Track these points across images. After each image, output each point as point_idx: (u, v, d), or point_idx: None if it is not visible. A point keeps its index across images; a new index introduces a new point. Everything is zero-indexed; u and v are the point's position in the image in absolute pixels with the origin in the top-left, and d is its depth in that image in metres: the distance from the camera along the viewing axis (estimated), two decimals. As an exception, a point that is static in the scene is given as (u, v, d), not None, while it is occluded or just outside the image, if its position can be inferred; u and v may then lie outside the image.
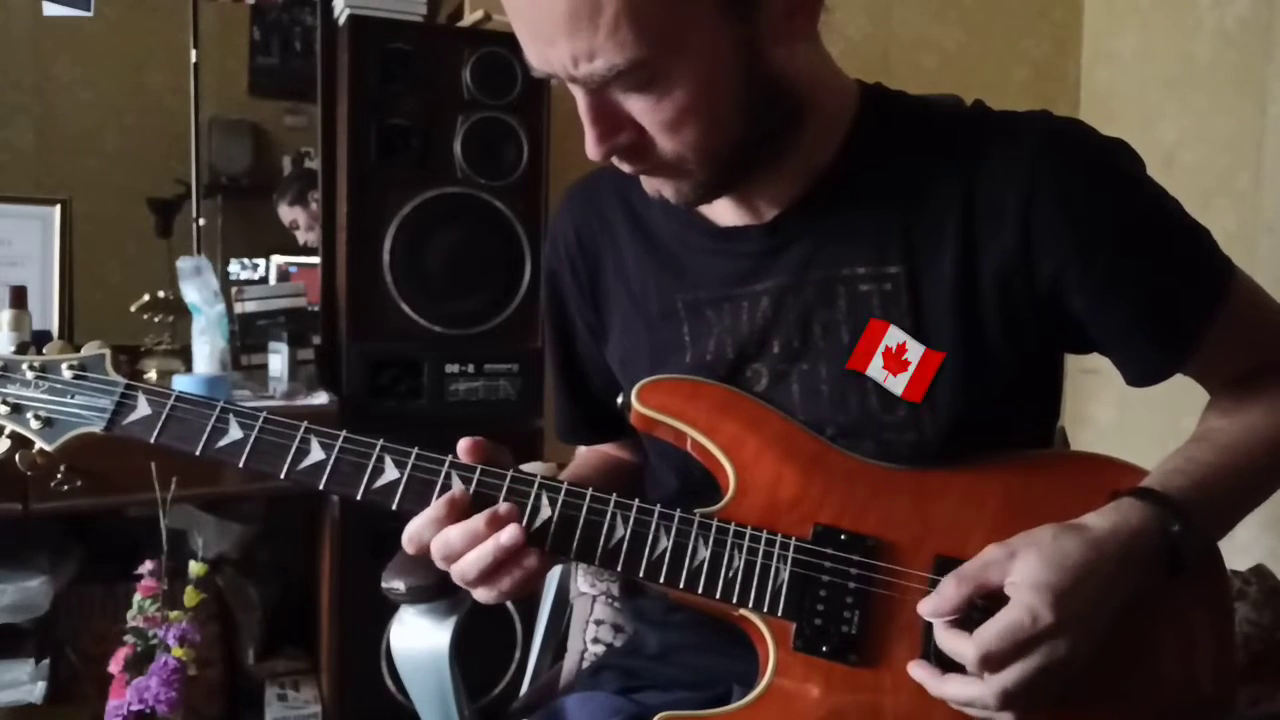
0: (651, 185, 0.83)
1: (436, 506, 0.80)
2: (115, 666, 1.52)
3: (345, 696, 2.09)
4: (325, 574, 2.10)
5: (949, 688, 0.75)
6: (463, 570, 0.79)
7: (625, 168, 0.80)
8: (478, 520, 0.79)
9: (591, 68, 0.70)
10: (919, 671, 0.77)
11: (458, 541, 0.78)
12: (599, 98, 0.74)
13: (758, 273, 0.87)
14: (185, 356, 2.05)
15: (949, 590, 0.75)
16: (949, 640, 0.74)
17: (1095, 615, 0.73)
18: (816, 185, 0.85)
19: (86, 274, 2.16)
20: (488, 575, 0.79)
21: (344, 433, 0.83)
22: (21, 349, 0.90)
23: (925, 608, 0.76)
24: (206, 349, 1.95)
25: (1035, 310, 0.83)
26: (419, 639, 1.10)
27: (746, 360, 0.88)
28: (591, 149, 0.76)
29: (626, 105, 0.75)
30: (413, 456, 0.83)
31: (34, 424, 0.86)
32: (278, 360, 2.07)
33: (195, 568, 1.60)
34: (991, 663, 0.71)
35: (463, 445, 0.83)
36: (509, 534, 0.78)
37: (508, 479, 0.82)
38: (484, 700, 2.01)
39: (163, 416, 0.85)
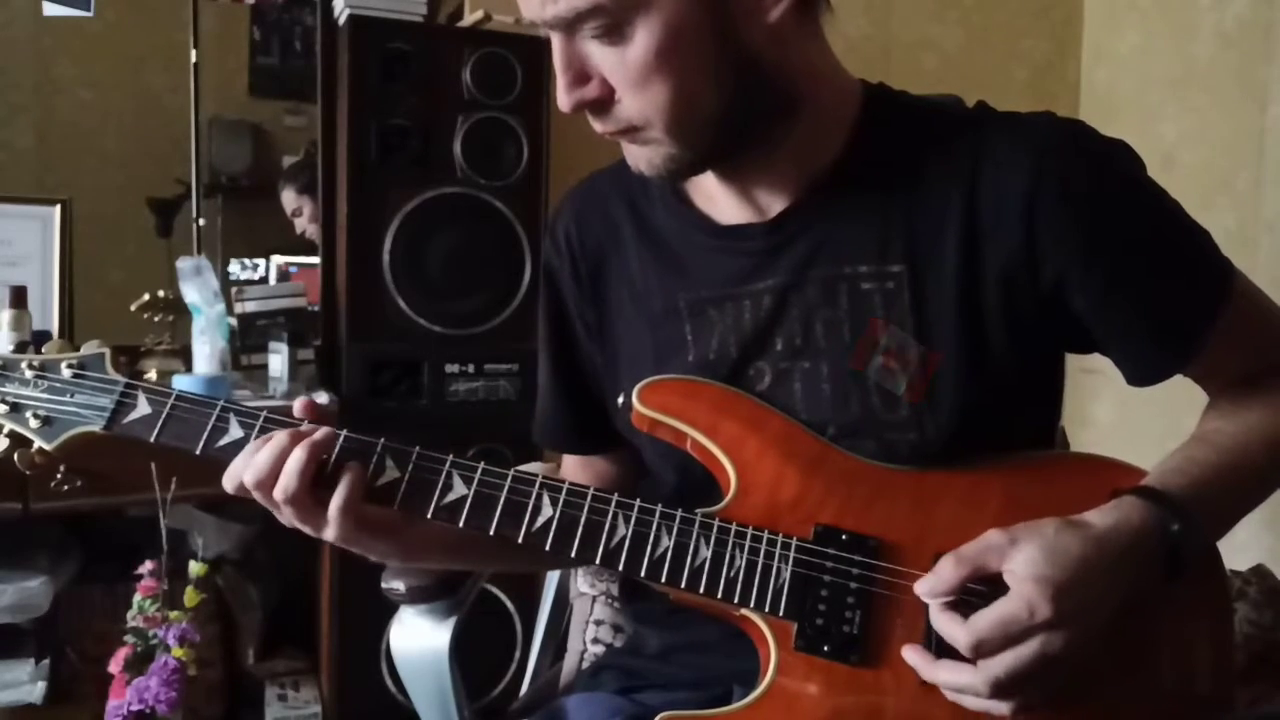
0: (632, 157, 0.84)
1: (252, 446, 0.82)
2: (115, 666, 1.52)
3: (345, 696, 2.09)
4: (325, 574, 2.10)
5: (942, 674, 0.75)
6: (286, 485, 0.79)
7: (597, 126, 0.81)
8: (280, 435, 0.81)
9: (557, 9, 0.73)
10: (913, 656, 0.77)
11: (265, 459, 0.80)
12: (569, 46, 0.77)
13: (760, 271, 0.87)
14: (185, 356, 2.05)
15: (946, 571, 0.75)
16: (943, 623, 0.75)
17: (1093, 612, 0.73)
18: (819, 183, 0.86)
19: (86, 274, 2.15)
20: (307, 483, 0.80)
21: (344, 431, 0.83)
22: (21, 348, 0.89)
23: (922, 588, 0.76)
24: (206, 349, 1.94)
25: (1037, 310, 0.83)
26: (419, 639, 1.10)
27: (750, 359, 0.88)
28: (561, 98, 0.78)
29: (595, 58, 0.76)
30: (414, 455, 0.83)
31: (33, 423, 0.86)
32: (278, 360, 2.07)
33: (195, 568, 1.60)
34: (983, 650, 0.72)
35: (297, 404, 0.85)
36: (323, 433, 0.81)
37: (509, 479, 0.82)
38: (484, 700, 2.01)
39: (163, 415, 0.85)
